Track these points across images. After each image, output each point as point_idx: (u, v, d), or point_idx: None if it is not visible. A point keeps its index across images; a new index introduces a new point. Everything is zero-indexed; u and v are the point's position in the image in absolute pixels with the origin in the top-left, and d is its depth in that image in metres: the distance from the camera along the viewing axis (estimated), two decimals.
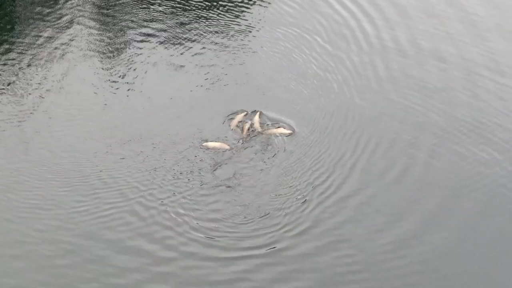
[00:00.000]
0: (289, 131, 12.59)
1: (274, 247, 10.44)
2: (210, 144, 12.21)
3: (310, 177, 11.67)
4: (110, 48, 14.86)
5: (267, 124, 12.76)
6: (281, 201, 11.22)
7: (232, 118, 12.83)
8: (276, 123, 12.79)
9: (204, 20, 16.17)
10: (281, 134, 12.50)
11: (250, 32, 15.92)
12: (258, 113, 12.98)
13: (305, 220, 10.87)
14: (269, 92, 13.79)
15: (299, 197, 11.28)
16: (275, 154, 12.15)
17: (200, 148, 12.10)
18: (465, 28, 16.20)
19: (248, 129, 12.57)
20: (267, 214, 10.98)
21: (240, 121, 12.74)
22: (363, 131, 12.78)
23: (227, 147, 12.18)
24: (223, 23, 16.12)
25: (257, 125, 12.69)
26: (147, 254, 10.30)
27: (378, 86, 14.10)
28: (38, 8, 16.12)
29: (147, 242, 10.46)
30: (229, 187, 11.44)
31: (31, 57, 14.41)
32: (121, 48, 14.88)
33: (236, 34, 15.74)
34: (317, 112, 13.26)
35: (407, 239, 10.63)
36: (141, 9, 16.37)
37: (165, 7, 16.51)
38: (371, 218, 10.95)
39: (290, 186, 11.50)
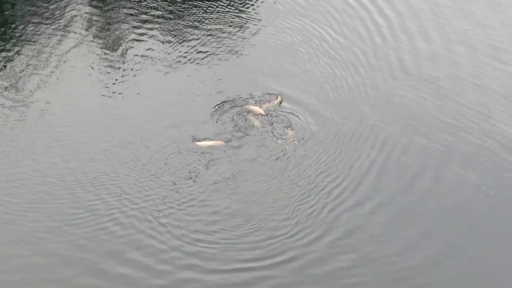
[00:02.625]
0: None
1: (279, 259, 10.04)
2: (205, 144, 11.79)
3: (315, 180, 11.29)
4: (108, 46, 14.45)
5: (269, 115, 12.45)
6: (285, 208, 10.81)
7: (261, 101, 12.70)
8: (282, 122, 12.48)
9: (203, 11, 15.82)
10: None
11: (253, 23, 15.62)
12: (279, 100, 12.73)
13: (312, 230, 10.47)
14: (271, 89, 13.31)
15: (305, 203, 10.90)
16: (279, 154, 11.77)
17: (196, 151, 11.69)
18: (482, 20, 16.02)
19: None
20: (271, 222, 10.57)
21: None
22: (374, 131, 12.35)
23: (223, 144, 11.77)
24: (225, 15, 15.82)
25: (265, 106, 12.56)
26: (144, 267, 9.88)
27: (393, 82, 13.72)
28: (36, 7, 15.72)
29: (143, 254, 10.04)
30: (230, 191, 11.05)
31: (27, 56, 14.00)
32: (119, 45, 14.49)
33: (238, 25, 15.47)
34: (326, 110, 12.85)
35: (418, 250, 10.25)
36: (139, 4, 16.11)
37: (164, 1, 16.08)
38: (381, 228, 10.53)
39: (294, 190, 11.11)
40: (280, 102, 12.77)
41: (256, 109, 12.54)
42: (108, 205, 10.68)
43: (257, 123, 12.28)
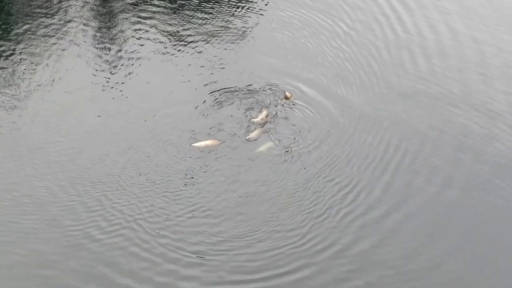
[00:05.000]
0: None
1: (285, 270, 9.47)
2: (201, 143, 11.40)
3: (322, 184, 10.67)
4: (105, 45, 14.12)
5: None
6: (292, 215, 10.19)
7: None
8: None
9: (204, 3, 15.49)
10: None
11: (258, 15, 15.20)
12: (288, 96, 12.30)
13: (320, 238, 9.86)
14: (275, 85, 12.80)
15: (312, 208, 10.28)
16: (285, 157, 11.19)
17: (192, 155, 11.20)
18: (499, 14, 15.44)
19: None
20: (277, 231, 9.98)
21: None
22: (389, 134, 11.69)
23: (219, 143, 11.39)
24: (226, 8, 15.47)
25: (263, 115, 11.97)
26: (143, 280, 9.39)
27: (409, 80, 13.07)
28: (34, 6, 15.53)
29: (142, 269, 9.51)
30: (230, 198, 10.48)
31: (21, 57, 13.67)
32: (117, 44, 14.15)
33: (241, 16, 15.12)
34: (336, 109, 12.24)
35: (433, 262, 9.60)
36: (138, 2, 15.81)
37: None
38: (394, 239, 9.88)
39: (300, 195, 10.48)
40: (288, 99, 12.33)
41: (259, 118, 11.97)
42: (105, 214, 10.24)
43: (255, 134, 11.72)
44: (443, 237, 9.88)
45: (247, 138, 11.47)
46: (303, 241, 9.78)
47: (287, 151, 11.24)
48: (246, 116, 11.91)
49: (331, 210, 10.19)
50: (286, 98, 12.31)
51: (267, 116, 11.86)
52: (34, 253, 9.66)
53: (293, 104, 12.19)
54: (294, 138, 11.48)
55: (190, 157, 11.06)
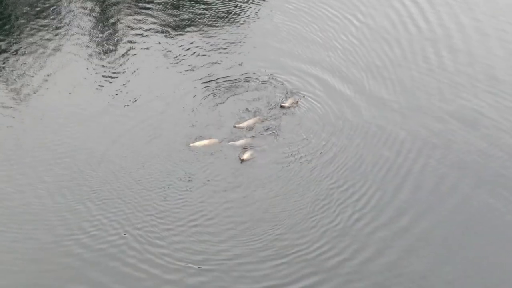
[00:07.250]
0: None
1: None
2: (199, 143, 11.20)
3: (328, 191, 10.43)
4: (103, 42, 14.13)
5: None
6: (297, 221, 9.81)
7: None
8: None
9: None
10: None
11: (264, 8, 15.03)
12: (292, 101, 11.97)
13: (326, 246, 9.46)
14: (279, 84, 12.49)
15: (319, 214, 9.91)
16: (289, 158, 10.86)
17: (191, 159, 10.91)
18: None
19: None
20: (281, 239, 9.58)
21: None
22: (398, 137, 11.41)
23: (217, 141, 11.24)
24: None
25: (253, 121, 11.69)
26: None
27: (425, 78, 12.77)
28: (33, 4, 15.40)
29: (141, 279, 9.19)
30: (231, 203, 10.16)
31: (19, 53, 13.64)
32: (116, 41, 14.13)
33: (244, 8, 15.01)
34: (344, 108, 11.92)
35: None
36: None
37: None
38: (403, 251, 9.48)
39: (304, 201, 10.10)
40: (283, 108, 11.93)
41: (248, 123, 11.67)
42: (107, 221, 9.95)
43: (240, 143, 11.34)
44: (462, 251, 9.49)
45: (230, 143, 11.11)
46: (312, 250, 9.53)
47: (291, 153, 10.90)
48: (247, 112, 11.65)
49: (343, 216, 9.90)
50: (282, 107, 11.88)
51: (255, 123, 11.52)
52: (31, 263, 9.41)
53: (294, 106, 11.90)
54: (304, 139, 11.16)
55: (189, 159, 10.79)
